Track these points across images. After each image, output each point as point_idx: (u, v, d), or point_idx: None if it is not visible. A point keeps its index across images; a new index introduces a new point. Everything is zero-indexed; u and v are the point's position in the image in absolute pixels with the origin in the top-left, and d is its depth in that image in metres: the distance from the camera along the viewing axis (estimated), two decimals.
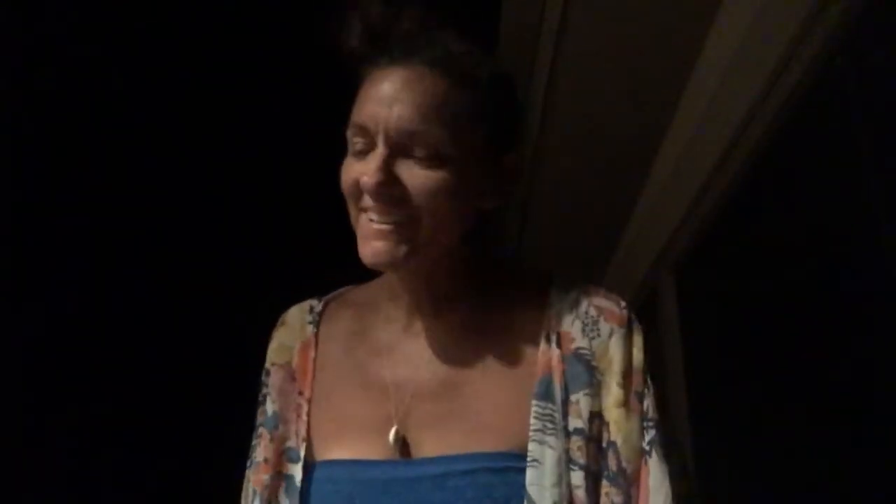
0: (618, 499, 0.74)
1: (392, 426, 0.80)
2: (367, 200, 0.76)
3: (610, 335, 0.79)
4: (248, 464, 0.89)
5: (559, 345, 0.79)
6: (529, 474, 0.72)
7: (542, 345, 0.79)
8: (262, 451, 0.87)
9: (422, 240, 0.76)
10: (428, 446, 0.78)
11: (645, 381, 0.78)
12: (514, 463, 0.74)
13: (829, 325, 1.47)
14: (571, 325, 0.80)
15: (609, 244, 2.98)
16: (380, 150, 0.75)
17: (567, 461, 0.74)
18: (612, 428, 0.76)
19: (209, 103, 2.30)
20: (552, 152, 2.39)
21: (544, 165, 2.47)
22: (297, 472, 0.82)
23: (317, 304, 0.94)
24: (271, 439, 0.86)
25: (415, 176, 0.75)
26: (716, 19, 1.81)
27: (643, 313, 2.66)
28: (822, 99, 1.47)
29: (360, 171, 0.76)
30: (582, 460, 0.74)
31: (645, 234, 2.59)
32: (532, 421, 0.75)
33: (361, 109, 0.78)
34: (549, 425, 0.74)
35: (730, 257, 1.98)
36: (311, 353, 0.88)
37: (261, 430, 0.89)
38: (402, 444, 0.79)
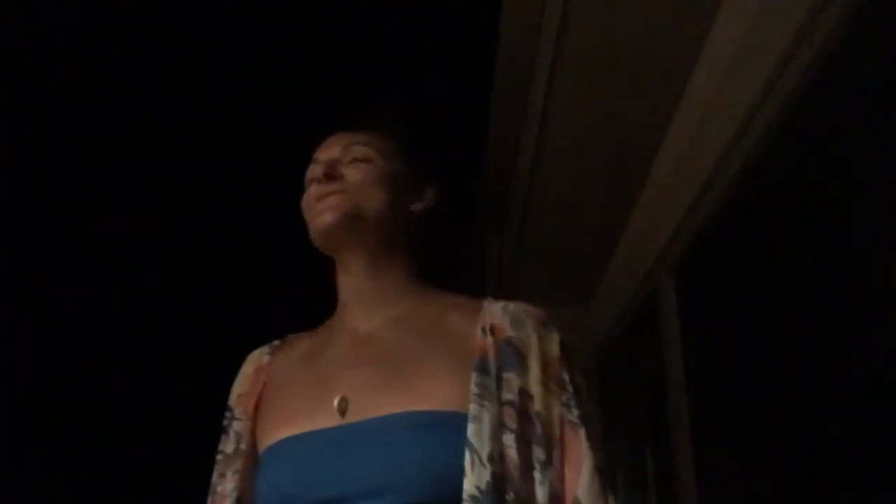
0: (541, 456, 0.86)
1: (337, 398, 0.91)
2: (314, 188, 0.97)
3: (533, 330, 0.93)
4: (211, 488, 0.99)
5: (493, 334, 0.92)
6: (471, 428, 0.83)
7: (479, 334, 0.92)
8: (228, 463, 0.98)
9: (358, 207, 0.95)
10: (370, 407, 0.87)
11: (563, 368, 0.92)
12: (450, 420, 0.84)
13: (828, 325, 1.47)
14: (502, 320, 0.93)
15: (609, 244, 2.98)
16: (323, 161, 1.00)
17: (500, 425, 0.85)
18: (536, 401, 0.88)
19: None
20: (552, 152, 2.39)
21: (544, 165, 2.47)
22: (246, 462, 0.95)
23: (277, 342, 1.07)
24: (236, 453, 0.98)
25: (350, 167, 0.99)
26: (716, 19, 1.81)
27: (643, 314, 2.68)
28: (822, 99, 1.47)
29: (310, 177, 1.01)
30: (513, 426, 0.86)
31: (645, 234, 2.59)
32: (472, 387, 0.86)
33: (317, 151, 1.05)
34: (486, 393, 0.86)
35: (730, 258, 1.98)
36: (262, 376, 1.02)
37: (220, 456, 0.99)
38: (346, 410, 0.89)
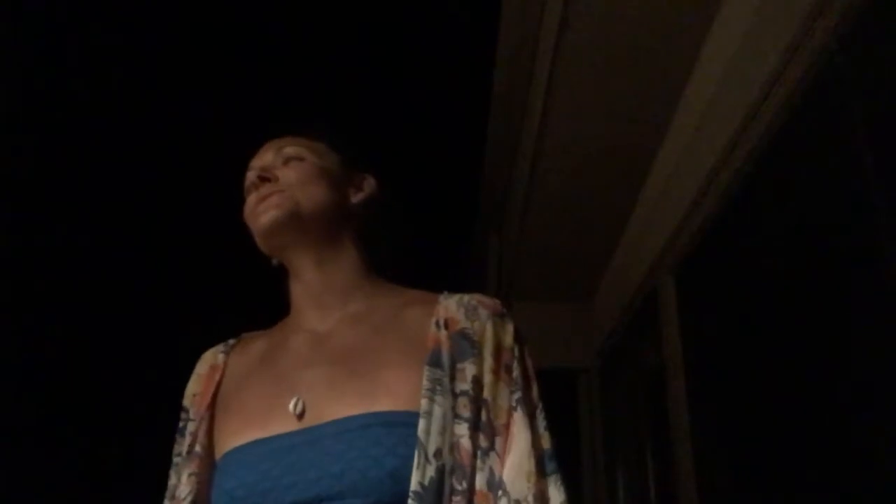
0: (485, 443, 0.87)
1: (296, 405, 0.90)
2: (254, 193, 0.97)
3: (487, 319, 0.93)
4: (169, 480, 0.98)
5: (447, 327, 0.92)
6: (421, 424, 0.84)
7: (433, 328, 0.93)
8: (187, 466, 0.95)
9: (297, 204, 0.96)
10: (327, 410, 0.87)
11: (514, 357, 0.92)
12: (405, 419, 0.85)
13: (828, 325, 1.47)
14: (457, 312, 0.94)
15: (609, 245, 2.98)
16: (256, 167, 1.01)
17: (453, 416, 0.86)
18: (485, 389, 0.89)
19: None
20: (552, 153, 2.39)
21: (545, 166, 2.48)
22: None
23: (231, 341, 1.06)
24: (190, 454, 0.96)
25: (285, 167, 1.00)
26: (716, 19, 1.81)
27: (643, 314, 2.68)
28: (821, 99, 1.47)
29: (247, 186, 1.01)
30: (466, 414, 0.87)
31: (645, 235, 2.59)
32: (424, 382, 0.87)
33: (252, 160, 1.05)
34: (438, 387, 0.87)
35: (730, 258, 1.98)
36: (217, 375, 1.01)
37: (177, 459, 0.98)
38: (303, 413, 0.89)
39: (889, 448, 1.25)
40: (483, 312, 0.94)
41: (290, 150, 1.01)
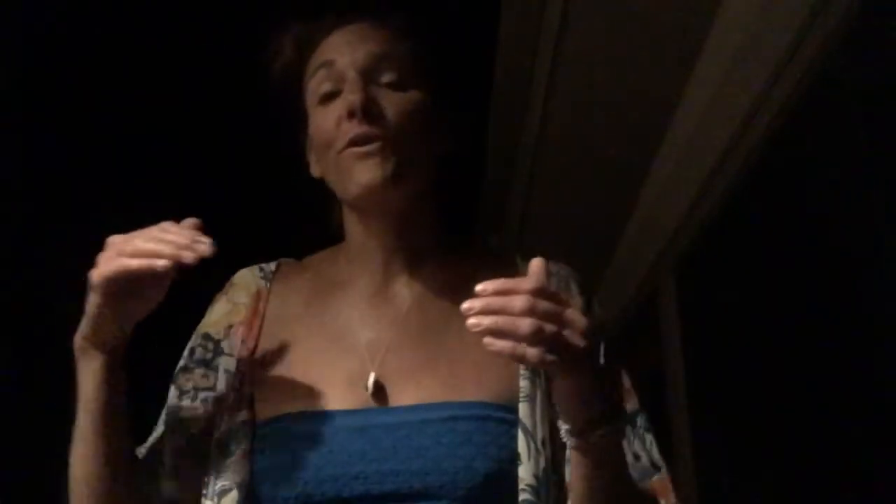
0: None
1: (366, 378, 0.79)
2: (352, 129, 0.79)
3: (579, 294, 0.85)
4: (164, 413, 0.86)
5: None
6: (522, 408, 0.75)
7: None
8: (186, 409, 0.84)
9: (403, 160, 0.80)
10: (406, 395, 0.78)
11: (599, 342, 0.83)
12: (492, 412, 0.76)
13: (829, 325, 1.47)
14: (547, 280, 0.80)
15: (609, 244, 2.97)
16: (352, 76, 0.81)
17: (550, 404, 0.76)
18: None
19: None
20: (552, 152, 2.39)
21: (544, 165, 2.47)
22: (241, 419, 0.80)
23: (268, 265, 0.93)
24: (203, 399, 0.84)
25: (387, 97, 0.81)
26: (716, 19, 1.80)
27: (643, 314, 2.68)
28: (822, 99, 1.47)
29: (337, 107, 0.82)
30: None
31: (645, 234, 2.59)
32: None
33: (323, 52, 0.85)
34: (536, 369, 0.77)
35: (730, 258, 1.98)
36: (261, 305, 0.87)
37: (208, 394, 0.84)
38: (380, 393, 0.79)
39: (891, 448, 1.25)
40: (574, 286, 0.86)
41: (387, 67, 0.82)
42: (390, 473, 0.73)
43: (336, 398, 0.78)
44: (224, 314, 0.89)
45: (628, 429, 0.81)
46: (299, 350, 0.83)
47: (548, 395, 0.76)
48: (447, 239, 0.90)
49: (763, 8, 1.57)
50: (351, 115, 0.79)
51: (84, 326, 0.75)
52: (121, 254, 0.71)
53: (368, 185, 0.79)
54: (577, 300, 0.84)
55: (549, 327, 0.64)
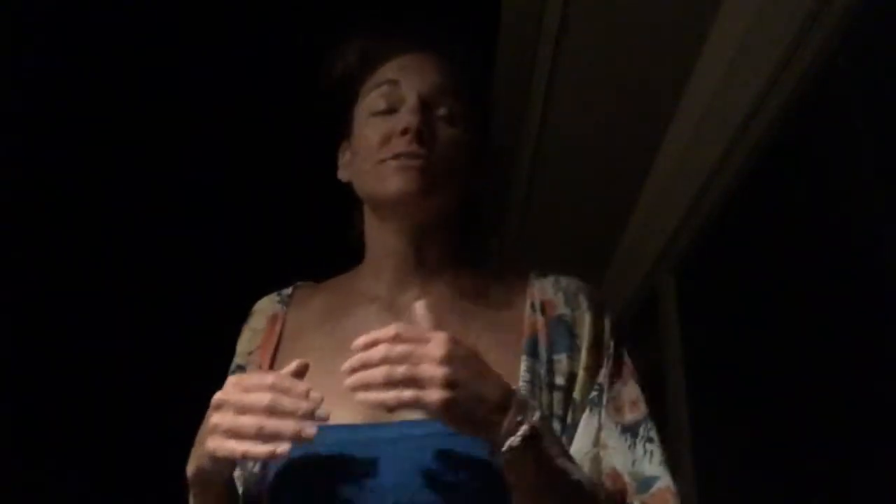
0: (567, 447, 0.79)
1: None
2: (402, 146, 0.84)
3: (587, 308, 0.86)
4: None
5: (543, 312, 0.85)
6: None
7: (528, 312, 0.85)
8: None
9: (439, 181, 0.85)
10: (411, 409, 0.77)
11: (606, 355, 0.85)
12: None
13: (829, 325, 1.47)
14: (554, 296, 0.87)
15: (609, 245, 2.98)
16: (413, 101, 0.86)
17: (550, 416, 0.80)
18: (576, 386, 0.83)
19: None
20: (552, 152, 2.39)
21: (544, 165, 2.47)
22: None
23: (286, 290, 0.97)
24: None
25: (439, 128, 0.87)
26: (716, 19, 1.80)
27: (643, 314, 2.68)
28: (822, 99, 1.47)
29: (391, 124, 0.86)
30: (560, 412, 0.81)
31: (645, 234, 2.59)
32: (522, 373, 0.80)
33: (387, 70, 0.90)
34: (536, 380, 0.80)
35: (730, 258, 1.98)
36: (278, 327, 0.91)
37: None
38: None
39: (891, 447, 1.25)
40: (584, 301, 0.87)
41: (446, 102, 0.87)
42: (394, 487, 0.74)
43: (342, 412, 0.78)
44: (247, 342, 0.93)
45: (624, 438, 0.82)
46: (313, 370, 0.83)
47: (549, 408, 0.80)
48: (461, 255, 0.93)
49: (763, 8, 1.57)
50: (405, 132, 0.84)
51: (195, 466, 0.76)
52: (236, 434, 0.69)
53: (402, 190, 0.83)
54: (585, 315, 0.86)
55: (400, 370, 0.68)
